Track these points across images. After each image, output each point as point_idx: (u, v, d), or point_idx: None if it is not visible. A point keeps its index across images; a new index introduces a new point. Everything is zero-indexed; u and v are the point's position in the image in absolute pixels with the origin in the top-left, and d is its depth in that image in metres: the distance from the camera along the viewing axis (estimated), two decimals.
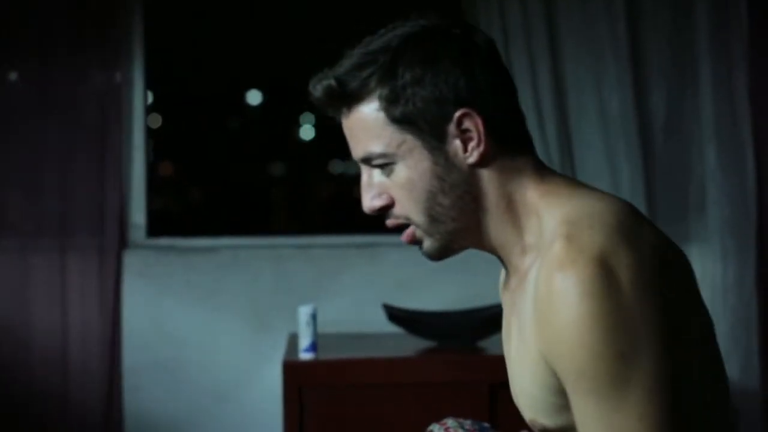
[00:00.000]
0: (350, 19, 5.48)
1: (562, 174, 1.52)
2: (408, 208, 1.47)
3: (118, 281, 3.97)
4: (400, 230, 1.53)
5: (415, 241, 1.50)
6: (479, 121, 1.43)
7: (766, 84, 3.85)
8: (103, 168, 3.97)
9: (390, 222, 1.51)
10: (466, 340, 3.52)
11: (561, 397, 1.38)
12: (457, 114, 1.43)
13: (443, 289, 4.01)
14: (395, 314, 3.56)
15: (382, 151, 1.46)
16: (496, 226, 1.47)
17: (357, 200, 1.61)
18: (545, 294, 1.33)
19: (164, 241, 4.11)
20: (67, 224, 3.96)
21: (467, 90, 1.43)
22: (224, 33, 5.63)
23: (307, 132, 6.50)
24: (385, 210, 1.49)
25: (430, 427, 1.93)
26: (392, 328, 3.66)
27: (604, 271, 1.30)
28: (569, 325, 1.30)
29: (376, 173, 1.49)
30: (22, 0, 3.96)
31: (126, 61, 4.01)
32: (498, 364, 3.30)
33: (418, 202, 1.46)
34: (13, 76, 4.07)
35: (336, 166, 6.34)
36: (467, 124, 1.43)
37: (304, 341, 3.31)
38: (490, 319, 3.51)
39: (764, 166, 3.87)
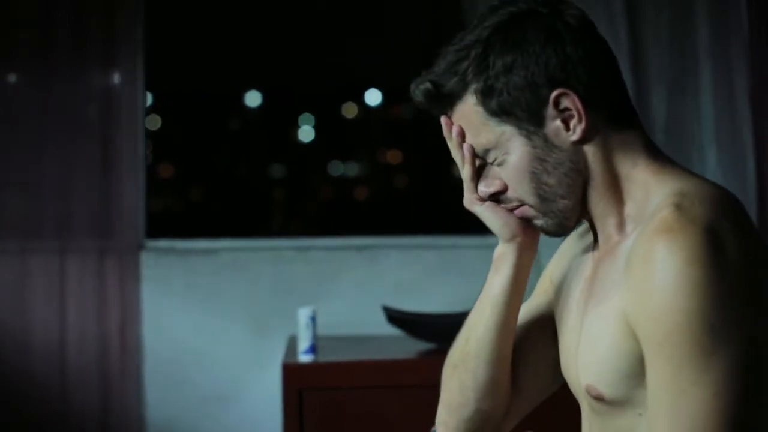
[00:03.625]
0: (348, 20, 5.47)
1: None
2: (519, 192, 1.49)
3: (117, 283, 3.97)
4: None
5: (527, 220, 1.52)
6: (576, 99, 1.44)
7: (767, 86, 3.84)
8: (102, 170, 3.97)
9: (506, 207, 1.53)
10: None
11: (633, 365, 1.37)
12: (553, 95, 1.44)
13: (443, 290, 4.01)
14: (395, 316, 3.56)
15: (485, 146, 1.48)
16: (596, 197, 1.47)
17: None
18: (645, 255, 1.33)
19: (164, 243, 4.10)
20: (66, 226, 3.95)
21: (560, 69, 1.43)
22: (224, 35, 5.62)
23: (306, 134, 6.50)
24: (498, 195, 1.52)
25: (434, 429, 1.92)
26: (392, 330, 3.66)
27: (714, 243, 1.30)
28: (668, 287, 1.29)
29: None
30: (22, 1, 3.96)
31: (126, 62, 4.00)
32: None
33: (526, 184, 1.47)
34: (12, 77, 4.07)
35: (335, 168, 6.34)
36: (565, 103, 1.44)
37: (304, 343, 3.31)
38: None
39: (765, 167, 3.87)
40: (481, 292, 1.61)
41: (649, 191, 1.44)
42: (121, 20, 3.97)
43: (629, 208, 1.46)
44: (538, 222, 1.50)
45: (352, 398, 3.26)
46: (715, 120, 3.90)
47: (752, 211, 3.86)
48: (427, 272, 4.06)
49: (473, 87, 1.46)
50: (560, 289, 1.62)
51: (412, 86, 1.51)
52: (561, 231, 1.51)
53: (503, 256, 1.56)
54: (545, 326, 1.65)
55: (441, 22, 4.78)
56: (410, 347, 3.52)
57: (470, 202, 1.55)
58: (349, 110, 6.27)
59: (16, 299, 3.93)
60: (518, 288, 1.58)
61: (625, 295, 1.37)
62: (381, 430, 3.26)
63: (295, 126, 6.46)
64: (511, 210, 1.53)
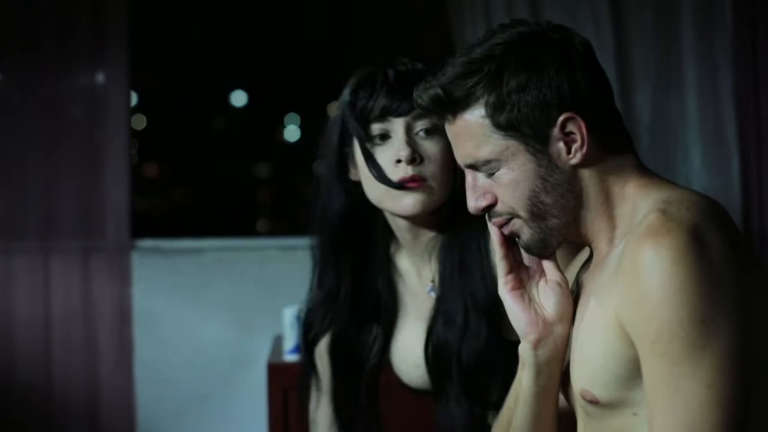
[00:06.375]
0: (333, 20, 5.48)
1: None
2: (512, 206, 1.52)
3: (103, 283, 3.96)
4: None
5: (513, 234, 1.54)
6: (582, 124, 1.48)
7: (751, 85, 3.85)
8: (87, 169, 3.95)
9: (495, 221, 1.54)
10: None
11: (627, 368, 1.42)
12: (561, 118, 1.47)
13: None
14: None
15: (487, 158, 1.51)
16: (591, 219, 1.52)
17: None
18: (634, 259, 1.38)
19: (148, 242, 4.09)
20: (50, 226, 3.94)
21: (570, 94, 1.48)
22: (209, 34, 5.62)
23: (291, 133, 6.50)
24: (489, 209, 1.54)
25: None
26: None
27: (698, 243, 1.36)
28: (656, 287, 1.35)
29: (480, 175, 1.53)
30: (8, 1, 3.95)
31: (111, 61, 3.99)
32: None
33: (521, 199, 1.50)
34: None
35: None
36: (571, 127, 1.48)
37: (289, 343, 3.31)
38: None
39: (749, 167, 3.87)
40: (514, 381, 1.63)
41: (637, 204, 1.49)
42: (107, 20, 3.96)
43: (619, 224, 1.51)
44: (524, 236, 1.53)
45: None
46: (700, 120, 3.91)
47: (737, 211, 3.87)
48: None
49: (484, 100, 1.49)
50: None
51: (418, 90, 1.54)
52: (542, 249, 1.53)
53: (522, 353, 1.58)
54: None
55: (424, 20, 4.78)
56: None
57: (501, 287, 1.58)
58: (335, 109, 6.28)
59: (0, 300, 3.92)
60: (543, 381, 1.58)
61: (617, 300, 1.41)
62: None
63: (281, 125, 6.45)
64: (501, 225, 1.54)
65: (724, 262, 1.36)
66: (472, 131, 1.51)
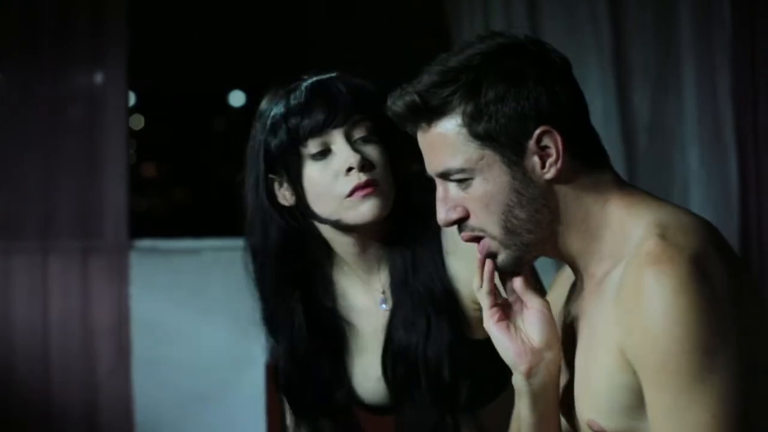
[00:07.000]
0: (332, 20, 5.48)
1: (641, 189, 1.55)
2: (484, 221, 1.49)
3: (101, 283, 3.96)
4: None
5: (490, 254, 1.51)
6: (558, 138, 1.45)
7: (749, 85, 3.86)
8: (85, 169, 3.96)
9: (465, 235, 1.52)
10: None
11: (631, 397, 1.41)
12: (538, 131, 1.45)
13: None
14: None
15: (461, 166, 1.48)
16: (571, 237, 1.49)
17: None
18: (636, 287, 1.36)
19: (147, 242, 4.09)
20: (49, 226, 3.94)
21: (548, 107, 1.46)
22: (209, 35, 5.62)
23: None
24: (460, 222, 1.51)
25: None
26: None
27: (700, 271, 1.35)
28: (659, 316, 1.34)
29: (452, 186, 1.51)
30: (7, 1, 3.95)
31: (110, 61, 4.00)
32: None
33: (494, 214, 1.48)
34: None
35: None
36: (547, 141, 1.46)
37: None
38: None
39: (747, 166, 3.88)
40: (513, 411, 1.63)
41: (625, 225, 1.46)
42: (107, 20, 3.96)
43: (606, 245, 1.48)
44: (500, 256, 1.50)
45: None
46: (698, 119, 3.91)
47: (735, 210, 3.87)
48: None
49: (461, 109, 1.47)
50: None
51: (393, 97, 1.52)
52: (517, 266, 1.51)
53: (516, 384, 1.57)
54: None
55: (423, 21, 4.78)
56: None
57: (486, 320, 1.56)
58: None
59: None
60: (541, 408, 1.57)
61: (619, 329, 1.40)
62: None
63: None
64: (472, 239, 1.52)
65: (726, 289, 1.35)
66: (448, 140, 1.48)
